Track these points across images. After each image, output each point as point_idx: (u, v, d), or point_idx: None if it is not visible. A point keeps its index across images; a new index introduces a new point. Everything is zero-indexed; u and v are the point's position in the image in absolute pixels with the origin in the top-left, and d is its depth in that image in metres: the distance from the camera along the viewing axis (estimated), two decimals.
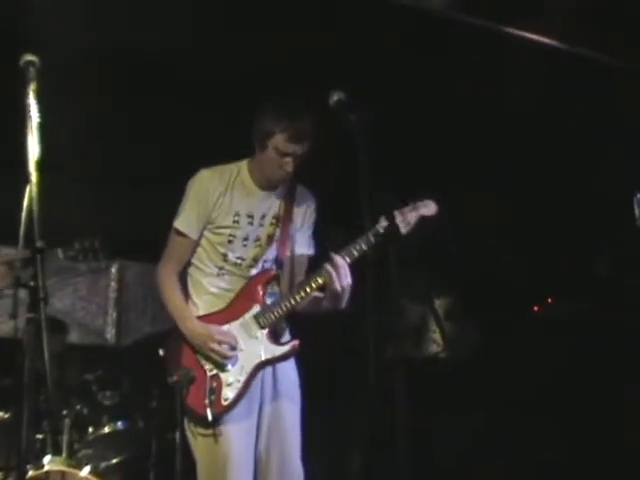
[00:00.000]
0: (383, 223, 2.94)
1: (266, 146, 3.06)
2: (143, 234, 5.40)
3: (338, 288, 2.96)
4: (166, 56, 4.27)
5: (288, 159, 3.06)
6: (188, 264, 3.22)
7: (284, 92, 4.21)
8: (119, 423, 4.28)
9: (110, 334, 5.84)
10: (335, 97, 2.70)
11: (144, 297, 5.94)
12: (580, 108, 4.56)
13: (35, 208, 2.28)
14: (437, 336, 4.65)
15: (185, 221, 3.13)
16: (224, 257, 3.15)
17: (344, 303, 3.04)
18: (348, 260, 2.98)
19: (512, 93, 4.41)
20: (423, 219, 3.05)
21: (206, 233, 3.15)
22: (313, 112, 2.93)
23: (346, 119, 2.68)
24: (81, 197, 5.16)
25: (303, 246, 3.27)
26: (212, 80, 4.46)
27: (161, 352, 4.36)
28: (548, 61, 4.28)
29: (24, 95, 2.40)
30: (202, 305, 3.16)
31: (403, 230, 3.02)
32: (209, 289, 3.17)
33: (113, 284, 5.88)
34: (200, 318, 3.13)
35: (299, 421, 3.18)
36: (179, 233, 3.15)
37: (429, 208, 3.09)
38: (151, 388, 4.51)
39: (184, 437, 4.22)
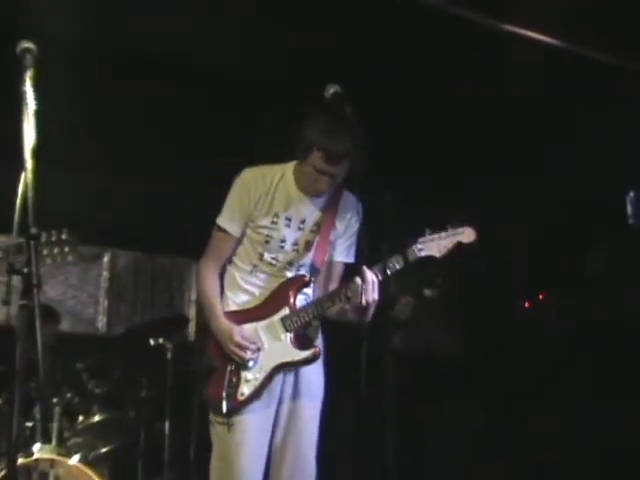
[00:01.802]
0: (419, 246, 2.99)
1: (306, 158, 3.06)
2: (136, 224, 5.43)
3: (363, 303, 2.96)
4: (165, 45, 4.28)
5: (324, 177, 3.07)
6: (229, 260, 3.25)
7: (284, 89, 4.31)
8: (109, 412, 4.30)
9: (101, 323, 5.84)
10: (331, 90, 2.71)
11: (135, 287, 5.94)
12: (579, 107, 4.59)
13: (30, 195, 2.28)
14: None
15: (227, 218, 3.18)
16: (260, 256, 3.18)
17: (369, 317, 3.03)
18: (380, 277, 2.98)
19: (511, 92, 4.43)
20: (459, 245, 3.06)
21: (248, 231, 3.19)
22: (356, 133, 2.84)
23: (342, 112, 2.69)
24: (73, 185, 5.16)
25: (341, 254, 3.28)
26: (211, 71, 4.46)
27: (152, 342, 4.42)
28: (548, 59, 4.30)
29: (20, 82, 2.39)
30: (233, 299, 3.20)
31: (437, 254, 3.05)
32: (241, 284, 3.20)
33: (105, 273, 5.87)
34: (229, 314, 3.16)
35: (317, 422, 3.19)
36: (220, 229, 3.18)
37: (467, 235, 3.07)
38: (141, 378, 4.54)
39: (174, 427, 4.30)
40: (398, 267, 3.01)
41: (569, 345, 5.23)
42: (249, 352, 3.06)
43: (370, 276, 2.96)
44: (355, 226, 3.26)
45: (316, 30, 4.13)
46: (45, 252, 2.59)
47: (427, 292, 4.60)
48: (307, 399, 3.19)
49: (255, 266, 3.19)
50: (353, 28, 4.12)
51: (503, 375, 5.17)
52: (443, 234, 3.06)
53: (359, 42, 4.19)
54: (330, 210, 3.23)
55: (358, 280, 2.98)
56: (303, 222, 3.19)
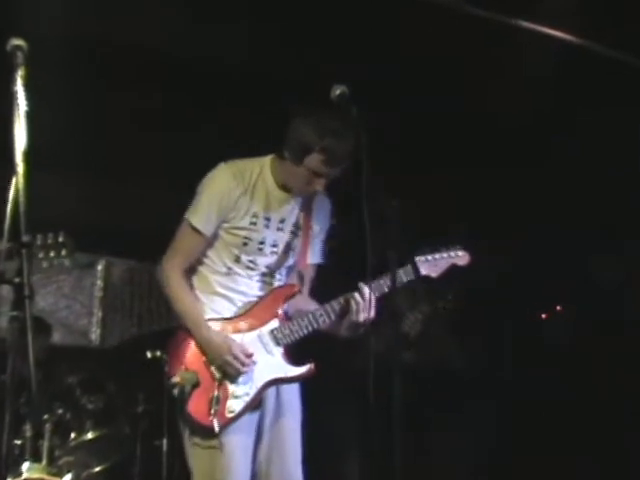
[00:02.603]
0: (419, 265, 3.08)
1: (301, 161, 3.01)
2: (131, 231, 5.43)
3: (360, 320, 3.01)
4: (158, 44, 4.29)
5: (321, 180, 3.04)
6: (198, 261, 3.18)
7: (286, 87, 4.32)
8: (103, 428, 4.31)
9: (95, 335, 5.84)
10: (337, 91, 2.72)
11: (131, 296, 5.93)
12: (591, 104, 4.60)
13: (22, 200, 2.28)
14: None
15: (202, 218, 3.08)
16: (236, 259, 3.13)
17: (360, 334, 3.07)
18: (377, 295, 3.02)
19: (520, 90, 4.45)
20: (454, 267, 3.21)
21: (221, 232, 3.12)
22: (355, 132, 2.81)
23: (348, 113, 2.70)
24: (65, 189, 5.17)
25: (315, 255, 3.27)
26: (210, 70, 4.47)
27: (149, 354, 4.42)
28: (559, 55, 4.31)
29: (11, 82, 2.39)
30: (209, 305, 3.12)
31: (433, 274, 3.17)
32: (217, 288, 3.13)
33: (99, 282, 5.87)
34: (211, 321, 3.08)
35: (300, 433, 3.18)
36: (194, 229, 3.09)
37: (462, 259, 3.24)
38: (137, 392, 4.54)
39: (173, 444, 4.29)
40: (400, 282, 3.05)
41: (586, 358, 5.25)
42: (246, 365, 3.02)
43: (368, 294, 3.00)
44: (327, 225, 3.27)
45: (318, 23, 4.16)
46: (41, 255, 2.58)
47: (440, 305, 4.64)
48: (290, 413, 3.17)
49: (230, 269, 3.12)
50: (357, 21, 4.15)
51: (518, 389, 5.18)
52: (438, 255, 3.20)
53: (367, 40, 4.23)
54: (307, 209, 3.22)
55: (357, 297, 3.03)
56: (282, 222, 3.17)
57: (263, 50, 4.36)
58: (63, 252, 2.56)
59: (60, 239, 2.56)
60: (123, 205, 5.41)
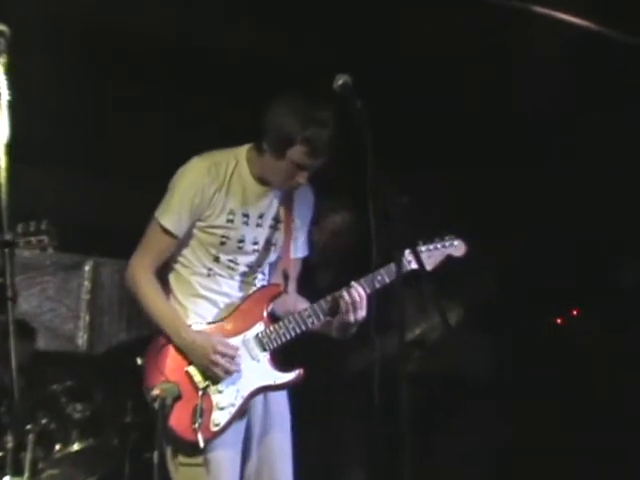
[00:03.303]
0: (409, 258, 2.97)
1: (282, 154, 2.98)
2: (121, 229, 5.41)
3: (351, 320, 3.00)
4: (149, 33, 4.28)
5: (304, 173, 3.01)
6: (171, 258, 3.15)
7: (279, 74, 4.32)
8: (90, 440, 4.29)
9: (81, 340, 5.83)
10: (340, 81, 2.70)
11: (120, 299, 5.91)
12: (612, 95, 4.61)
13: (4, 196, 2.25)
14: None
15: (173, 218, 3.04)
16: (215, 259, 3.10)
17: (351, 334, 3.07)
18: (368, 291, 3.01)
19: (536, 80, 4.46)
20: (450, 258, 3.18)
21: (196, 232, 3.08)
22: (336, 119, 2.85)
23: (352, 105, 2.68)
24: (51, 187, 5.16)
25: (300, 249, 3.27)
26: (195, 61, 4.47)
27: (139, 361, 4.40)
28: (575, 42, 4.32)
29: None
30: (192, 308, 3.09)
31: (428, 267, 3.10)
32: (199, 290, 3.10)
33: (86, 284, 5.85)
34: (193, 326, 3.05)
35: (290, 445, 3.17)
36: (165, 230, 3.05)
37: (458, 249, 3.22)
38: (127, 401, 4.49)
39: (165, 457, 4.28)
40: (387, 280, 3.02)
41: (605, 364, 5.25)
42: (235, 363, 2.99)
43: (360, 292, 2.99)
44: (309, 216, 3.26)
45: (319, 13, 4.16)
46: (22, 243, 2.55)
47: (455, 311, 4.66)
48: (279, 423, 3.15)
49: (210, 269, 3.10)
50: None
51: (532, 397, 5.19)
52: (432, 246, 3.18)
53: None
54: (287, 201, 3.18)
55: (346, 295, 3.01)
56: (261, 217, 3.14)
57: (263, 47, 4.37)
58: (46, 240, 2.54)
59: (43, 227, 2.52)
60: (113, 202, 5.41)
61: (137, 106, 4.73)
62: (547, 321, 5.67)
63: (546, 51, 4.33)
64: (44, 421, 4.22)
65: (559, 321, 5.72)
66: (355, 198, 2.78)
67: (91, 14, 4.15)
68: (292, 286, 3.25)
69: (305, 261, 3.33)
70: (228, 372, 2.97)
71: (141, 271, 3.08)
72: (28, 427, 4.08)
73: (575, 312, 5.69)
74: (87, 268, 5.84)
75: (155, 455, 4.29)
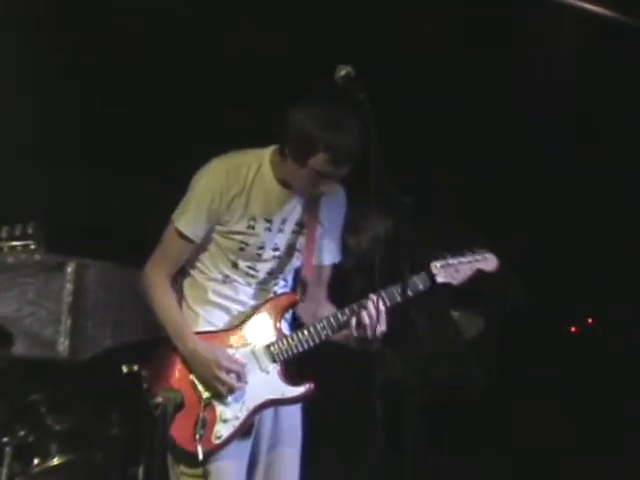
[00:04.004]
0: (435, 271, 3.06)
1: (304, 162, 2.96)
2: (107, 229, 5.40)
3: (370, 335, 2.99)
4: (133, 30, 4.29)
5: (328, 181, 3.00)
6: (187, 263, 3.19)
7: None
8: (71, 453, 4.27)
9: (63, 346, 5.79)
10: (342, 72, 2.69)
11: (105, 303, 5.89)
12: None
13: None
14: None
15: (190, 223, 3.08)
16: (234, 265, 3.13)
17: (373, 347, 3.04)
18: (388, 304, 3.03)
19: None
20: (479, 272, 3.16)
21: (215, 236, 3.12)
22: (361, 123, 2.81)
23: (354, 97, 2.67)
24: (33, 182, 5.14)
25: (329, 255, 3.28)
26: (199, 43, 4.48)
27: (125, 369, 4.39)
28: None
29: None
30: (203, 315, 3.13)
31: (454, 282, 3.14)
32: (211, 297, 3.14)
33: (68, 286, 5.82)
34: (200, 335, 3.08)
35: (298, 462, 3.20)
36: (181, 235, 3.09)
37: (489, 263, 3.20)
38: (111, 412, 4.51)
39: (151, 473, 4.26)
40: (411, 294, 3.06)
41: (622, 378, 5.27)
42: (238, 379, 3.01)
43: (379, 306, 2.97)
44: (341, 218, 3.24)
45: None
46: (6, 249, 2.53)
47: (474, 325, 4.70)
48: (288, 440, 3.19)
49: (227, 276, 3.14)
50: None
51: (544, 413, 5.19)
52: (462, 259, 3.18)
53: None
54: (313, 205, 3.17)
55: (365, 312, 3.01)
56: (284, 222, 3.14)
57: (261, 48, 4.45)
58: (32, 245, 2.52)
59: (29, 231, 2.50)
60: (99, 200, 5.40)
61: (127, 94, 4.72)
62: (562, 329, 5.69)
63: (547, 51, 4.39)
64: (22, 433, 4.21)
65: (573, 330, 5.76)
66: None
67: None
68: (321, 293, 3.27)
69: (338, 267, 3.32)
70: (231, 389, 2.99)
71: (156, 276, 3.14)
72: (5, 439, 4.06)
73: (590, 321, 5.77)
74: (70, 269, 5.80)
75: (140, 470, 4.32)
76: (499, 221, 5.08)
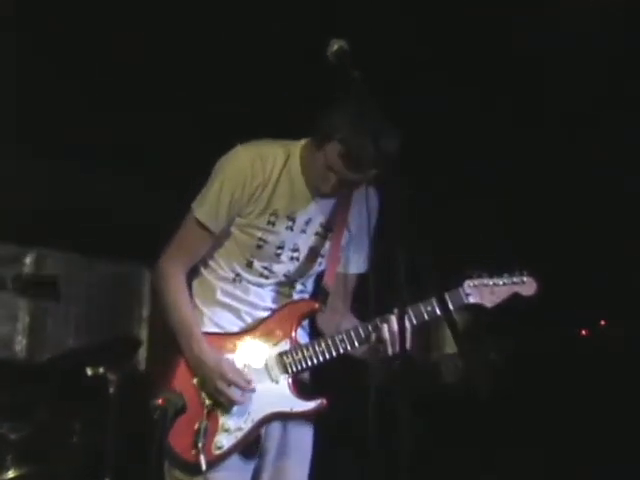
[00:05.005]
0: (467, 290, 3.09)
1: (321, 145, 3.00)
2: (71, 216, 5.37)
3: (389, 354, 3.02)
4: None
5: (332, 176, 2.99)
6: (203, 264, 3.22)
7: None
8: (29, 465, 4.25)
9: (20, 345, 5.78)
10: (335, 46, 2.65)
11: (67, 298, 5.87)
12: None
13: None
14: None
15: (210, 212, 3.08)
16: (248, 264, 3.14)
17: (395, 366, 3.04)
18: (414, 322, 3.06)
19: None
20: (517, 296, 3.17)
21: (234, 230, 3.12)
22: (397, 147, 2.85)
23: (348, 74, 2.63)
24: None
25: (356, 264, 3.27)
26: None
27: (89, 371, 4.35)
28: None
29: None
30: (209, 315, 3.15)
31: (489, 304, 3.16)
32: (220, 297, 3.16)
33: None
34: (208, 336, 3.09)
35: (307, 479, 3.21)
36: (200, 224, 3.10)
37: (528, 287, 3.19)
38: (74, 419, 4.50)
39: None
40: (440, 314, 3.01)
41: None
42: (242, 394, 3.01)
43: (400, 324, 2.92)
44: (371, 223, 3.16)
45: None
46: None
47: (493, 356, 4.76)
48: (296, 457, 3.19)
49: (238, 275, 3.15)
50: None
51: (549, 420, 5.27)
52: (499, 281, 3.17)
53: None
54: (342, 207, 3.19)
55: (386, 329, 3.02)
56: (308, 223, 3.15)
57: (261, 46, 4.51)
58: None
59: None
60: (61, 185, 5.38)
61: (94, 72, 4.72)
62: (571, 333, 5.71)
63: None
64: None
65: (584, 333, 5.84)
66: None
67: None
68: (344, 304, 3.28)
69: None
70: (232, 403, 3.00)
71: (170, 269, 3.15)
72: None
73: (603, 323, 5.83)
74: (29, 261, 5.80)
75: None
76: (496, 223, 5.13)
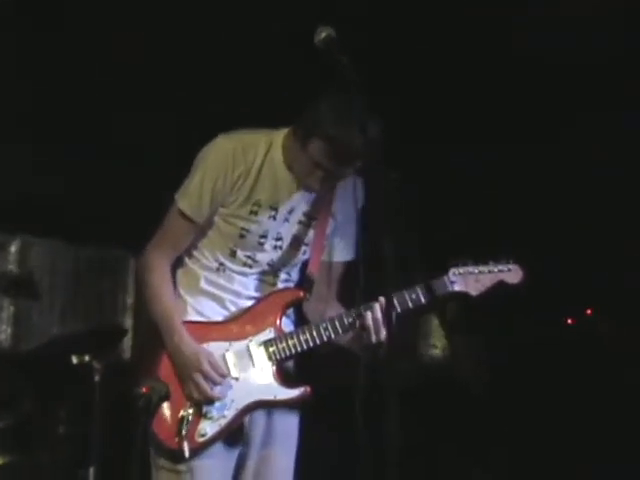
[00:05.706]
0: (452, 278, 3.08)
1: (304, 144, 3.00)
2: (56, 204, 5.36)
3: (372, 341, 3.01)
4: None
5: (319, 174, 3.02)
6: (188, 254, 3.23)
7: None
8: (14, 454, 4.27)
9: (5, 334, 5.78)
10: (323, 34, 2.67)
11: (52, 287, 5.88)
12: None
13: None
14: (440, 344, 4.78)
15: (192, 202, 3.11)
16: (232, 253, 3.15)
17: (379, 354, 3.05)
18: (399, 310, 3.06)
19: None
20: (502, 284, 3.17)
21: (217, 220, 3.14)
22: (378, 136, 2.81)
23: (336, 62, 2.65)
24: None
25: (342, 252, 3.27)
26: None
27: (75, 360, 4.36)
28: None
29: None
30: (192, 304, 3.17)
31: (474, 292, 3.15)
32: (203, 286, 3.17)
33: (11, 268, 5.81)
34: (188, 324, 3.11)
35: (292, 467, 3.23)
36: (183, 215, 3.12)
37: (513, 275, 3.17)
38: (59, 408, 4.51)
39: (102, 475, 4.26)
40: (424, 302, 3.07)
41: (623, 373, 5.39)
42: (217, 389, 3.02)
43: (383, 311, 2.98)
44: (357, 214, 3.16)
45: None
46: None
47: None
48: (281, 445, 3.21)
49: (222, 264, 3.17)
50: None
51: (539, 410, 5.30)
52: (485, 269, 3.16)
53: None
54: (327, 196, 3.18)
55: (369, 314, 3.02)
56: (291, 212, 3.16)
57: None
58: None
59: None
60: (46, 172, 5.34)
61: (78, 57, 4.71)
62: (557, 322, 5.73)
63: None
64: None
65: (570, 321, 5.86)
66: None
67: None
68: (330, 292, 3.27)
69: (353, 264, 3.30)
70: (205, 397, 3.01)
71: (155, 260, 3.18)
72: None
73: (589, 312, 5.85)
74: (13, 249, 5.80)
75: (91, 472, 4.31)
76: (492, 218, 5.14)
